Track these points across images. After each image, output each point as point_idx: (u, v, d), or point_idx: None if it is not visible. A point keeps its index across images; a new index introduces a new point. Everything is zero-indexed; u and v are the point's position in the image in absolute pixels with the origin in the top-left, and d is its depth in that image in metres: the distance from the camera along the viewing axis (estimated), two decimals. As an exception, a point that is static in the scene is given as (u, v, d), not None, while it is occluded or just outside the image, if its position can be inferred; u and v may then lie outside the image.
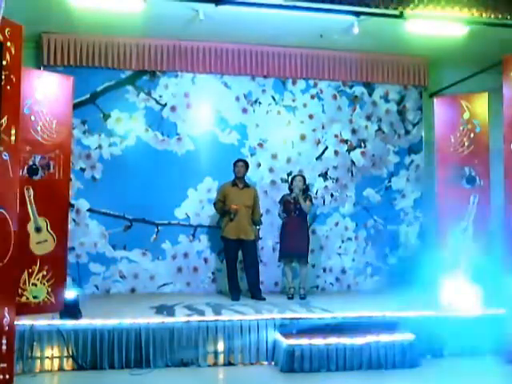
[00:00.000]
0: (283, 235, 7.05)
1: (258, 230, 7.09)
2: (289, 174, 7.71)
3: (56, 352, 5.16)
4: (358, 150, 8.10)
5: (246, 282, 7.00)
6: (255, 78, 7.83)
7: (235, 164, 7.01)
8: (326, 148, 8.02)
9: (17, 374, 4.82)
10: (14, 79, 4.61)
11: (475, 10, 5.83)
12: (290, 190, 7.07)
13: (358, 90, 8.12)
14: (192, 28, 6.80)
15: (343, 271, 7.98)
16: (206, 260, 7.60)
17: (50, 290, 5.80)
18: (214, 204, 7.13)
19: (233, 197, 6.87)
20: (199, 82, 7.70)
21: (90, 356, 5.20)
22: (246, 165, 7.06)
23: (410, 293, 7.18)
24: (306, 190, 7.08)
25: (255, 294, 6.82)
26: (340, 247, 8.00)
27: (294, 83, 7.94)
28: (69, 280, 6.52)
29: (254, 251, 7.01)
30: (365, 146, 8.12)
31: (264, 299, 6.70)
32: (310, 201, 7.07)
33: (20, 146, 4.87)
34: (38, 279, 5.74)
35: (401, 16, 5.92)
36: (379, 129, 8.18)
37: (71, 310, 5.34)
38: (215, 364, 5.41)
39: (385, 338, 5.42)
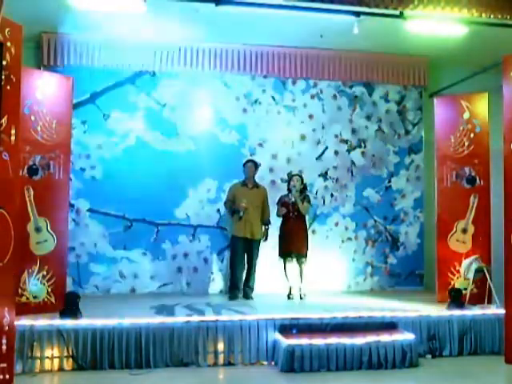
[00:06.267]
0: (282, 235, 7.03)
1: (267, 229, 7.10)
2: (289, 174, 7.69)
3: (56, 352, 5.16)
4: (358, 150, 8.10)
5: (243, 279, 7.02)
6: (255, 78, 7.83)
7: (244, 165, 7.08)
8: (326, 148, 8.01)
9: (17, 374, 4.82)
10: (14, 79, 4.61)
11: (475, 10, 5.81)
12: (289, 190, 7.06)
13: (358, 90, 8.11)
14: (192, 28, 6.80)
15: (343, 271, 7.96)
16: (205, 260, 7.60)
17: (49, 289, 5.80)
18: (224, 203, 7.18)
19: (242, 197, 6.91)
20: (199, 82, 7.70)
21: (90, 356, 5.19)
22: (255, 165, 7.11)
23: (410, 292, 7.19)
24: (304, 189, 7.06)
25: (246, 292, 6.90)
26: (340, 247, 8.00)
27: (294, 83, 7.95)
28: (69, 280, 6.53)
29: (257, 250, 7.04)
30: (365, 146, 8.11)
31: (252, 298, 6.82)
32: (308, 202, 7.05)
33: (20, 146, 4.87)
34: (38, 279, 5.74)
35: (401, 16, 5.92)
36: (379, 129, 8.17)
37: (71, 310, 5.35)
38: (215, 364, 5.40)
39: (385, 337, 5.41)
